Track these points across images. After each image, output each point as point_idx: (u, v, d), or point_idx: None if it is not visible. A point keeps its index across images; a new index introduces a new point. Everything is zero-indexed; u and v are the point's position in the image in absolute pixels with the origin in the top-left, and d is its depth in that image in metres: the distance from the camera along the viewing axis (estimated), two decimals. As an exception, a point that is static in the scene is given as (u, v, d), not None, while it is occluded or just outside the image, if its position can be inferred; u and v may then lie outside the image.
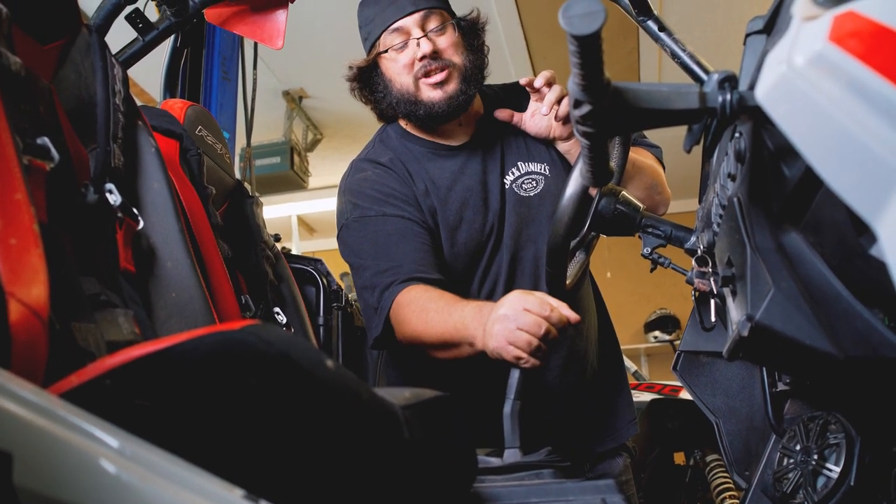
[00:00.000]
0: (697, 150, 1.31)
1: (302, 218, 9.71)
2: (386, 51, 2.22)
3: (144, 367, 0.80)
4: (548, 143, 2.35)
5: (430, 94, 2.21)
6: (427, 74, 2.20)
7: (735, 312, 1.18)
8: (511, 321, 1.76)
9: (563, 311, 1.79)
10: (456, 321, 1.91)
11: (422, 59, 2.18)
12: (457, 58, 2.22)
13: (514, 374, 1.81)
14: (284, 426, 0.79)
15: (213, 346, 0.80)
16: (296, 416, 0.79)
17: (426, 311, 1.97)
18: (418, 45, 2.19)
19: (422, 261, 2.10)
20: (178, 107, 2.29)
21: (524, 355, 1.76)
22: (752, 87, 1.07)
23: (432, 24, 2.21)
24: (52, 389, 0.81)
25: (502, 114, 2.29)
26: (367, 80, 2.31)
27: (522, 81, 2.23)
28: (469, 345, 1.90)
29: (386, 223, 2.18)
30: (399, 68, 2.22)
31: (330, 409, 0.81)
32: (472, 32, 2.30)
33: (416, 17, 2.20)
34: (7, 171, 0.99)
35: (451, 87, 2.21)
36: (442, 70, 2.19)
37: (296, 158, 7.01)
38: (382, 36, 2.23)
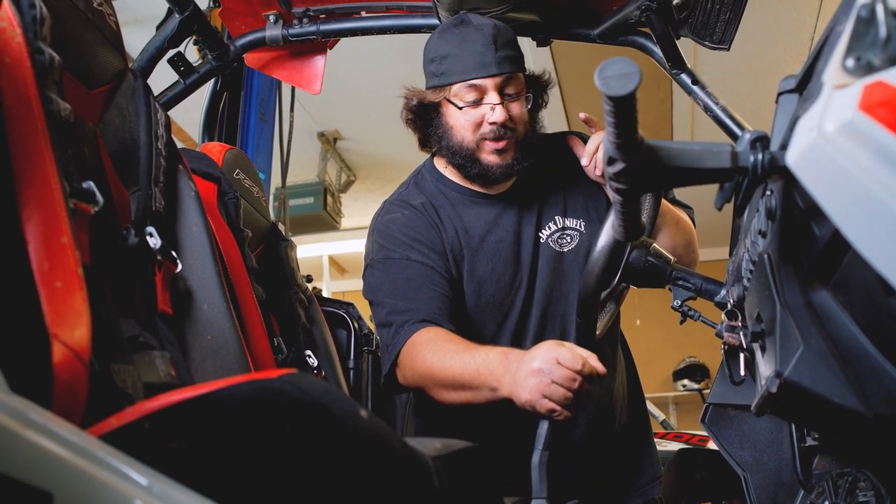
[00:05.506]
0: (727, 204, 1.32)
1: (333, 258, 9.74)
2: (461, 107, 2.18)
3: (182, 412, 0.82)
4: (586, 198, 2.35)
5: (489, 157, 2.20)
6: (493, 139, 2.18)
7: (764, 368, 1.18)
8: (546, 375, 1.74)
9: (593, 362, 1.77)
10: (479, 364, 1.88)
11: (492, 123, 2.16)
12: (521, 127, 2.21)
13: (544, 425, 1.81)
14: (317, 474, 0.80)
15: (249, 393, 0.82)
16: (329, 464, 0.81)
17: (443, 351, 1.96)
18: (492, 109, 2.15)
19: (438, 309, 2.10)
20: (216, 150, 2.33)
21: (558, 408, 1.75)
22: (783, 146, 1.09)
23: (510, 90, 2.19)
24: (91, 431, 0.83)
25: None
26: (425, 113, 2.29)
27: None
28: (490, 390, 1.87)
29: (409, 267, 2.17)
30: (466, 123, 2.19)
31: (363, 459, 0.82)
32: (537, 97, 2.31)
33: (498, 80, 2.16)
34: (54, 216, 1.02)
35: (509, 155, 2.20)
36: (506, 139, 2.19)
37: (329, 199, 7.02)
38: (457, 86, 2.18)
